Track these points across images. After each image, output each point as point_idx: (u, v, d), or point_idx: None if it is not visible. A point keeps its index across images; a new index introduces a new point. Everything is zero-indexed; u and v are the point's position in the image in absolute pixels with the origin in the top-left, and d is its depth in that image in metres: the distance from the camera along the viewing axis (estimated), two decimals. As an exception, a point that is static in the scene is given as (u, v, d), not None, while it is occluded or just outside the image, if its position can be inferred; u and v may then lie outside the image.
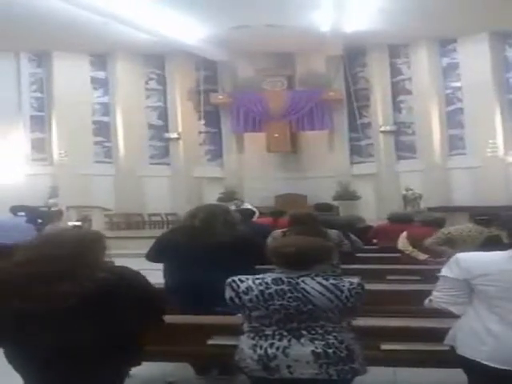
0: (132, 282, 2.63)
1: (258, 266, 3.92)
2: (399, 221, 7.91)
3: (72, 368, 2.45)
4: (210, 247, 4.06)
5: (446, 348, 2.83)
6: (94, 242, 2.68)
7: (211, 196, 19.68)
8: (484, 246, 3.28)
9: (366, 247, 7.28)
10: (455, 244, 5.89)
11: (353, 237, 6.68)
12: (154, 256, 4.46)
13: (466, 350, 2.64)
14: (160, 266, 4.60)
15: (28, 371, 2.56)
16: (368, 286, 2.95)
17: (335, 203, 17.55)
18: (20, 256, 2.56)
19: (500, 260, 2.62)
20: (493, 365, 2.51)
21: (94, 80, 21.16)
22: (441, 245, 6.06)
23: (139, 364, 2.92)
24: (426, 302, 2.87)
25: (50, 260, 2.46)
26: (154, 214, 19.99)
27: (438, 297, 2.75)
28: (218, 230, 4.21)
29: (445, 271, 2.74)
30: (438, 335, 2.93)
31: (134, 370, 4.02)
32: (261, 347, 2.80)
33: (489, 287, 2.57)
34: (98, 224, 16.59)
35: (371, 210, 19.08)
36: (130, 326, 2.58)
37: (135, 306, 2.57)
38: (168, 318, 3.65)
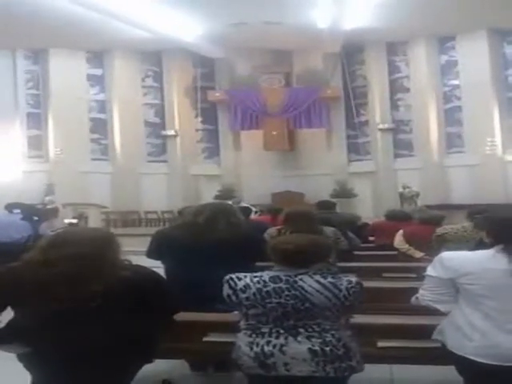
0: (153, 281, 2.67)
1: (258, 263, 3.90)
2: (396, 218, 7.89)
3: (89, 366, 2.47)
4: (212, 244, 4.06)
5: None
6: (111, 240, 2.69)
7: (208, 194, 19.70)
8: (479, 245, 3.29)
9: (362, 245, 7.27)
10: (451, 243, 5.85)
11: (350, 234, 6.66)
12: (155, 253, 4.45)
13: (454, 346, 2.70)
14: (156, 263, 4.58)
15: (43, 370, 2.56)
16: (364, 284, 2.95)
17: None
18: (37, 255, 2.54)
19: (483, 259, 2.67)
20: (481, 360, 2.58)
21: (90, 77, 21.16)
22: (437, 248, 5.98)
23: (151, 361, 2.94)
24: (413, 299, 2.94)
25: (75, 260, 2.46)
26: (151, 212, 20.01)
27: (424, 295, 2.82)
28: (220, 228, 4.20)
29: (429, 270, 2.81)
30: (434, 332, 2.93)
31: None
32: (257, 345, 2.81)
33: (473, 286, 2.63)
34: (94, 221, 16.54)
35: (368, 208, 19.13)
36: (149, 324, 2.60)
37: (155, 305, 2.62)
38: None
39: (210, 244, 4.06)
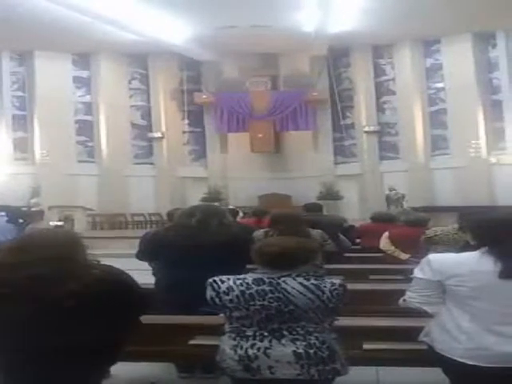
0: (124, 281, 2.65)
1: (250, 266, 3.91)
2: (382, 220, 7.91)
3: (59, 367, 2.43)
4: (204, 246, 4.08)
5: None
6: (79, 240, 2.68)
7: (195, 196, 19.64)
8: (464, 248, 3.31)
9: (348, 247, 7.29)
10: (441, 245, 5.85)
11: (341, 237, 6.69)
12: (147, 255, 4.45)
13: (442, 347, 2.70)
14: (141, 266, 4.58)
15: (11, 372, 2.53)
16: (351, 286, 2.95)
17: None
18: (7, 258, 2.52)
19: (470, 261, 2.68)
20: (468, 362, 2.58)
21: (76, 79, 21.09)
22: (426, 250, 5.96)
23: (115, 363, 2.91)
24: (401, 301, 2.92)
25: (48, 261, 2.44)
26: (138, 214, 19.93)
27: (412, 297, 2.80)
28: (213, 230, 4.22)
29: (417, 272, 2.80)
30: (420, 333, 2.93)
31: (117, 371, 4.01)
32: (242, 348, 2.80)
33: (460, 287, 2.63)
34: (80, 224, 16.48)
35: (355, 210, 19.19)
36: (119, 325, 2.58)
37: (127, 304, 2.59)
38: (150, 318, 3.63)
39: (202, 246, 4.09)
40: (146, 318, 3.45)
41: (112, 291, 2.51)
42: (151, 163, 21.79)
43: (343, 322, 3.13)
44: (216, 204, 11.01)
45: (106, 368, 2.75)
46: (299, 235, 3.81)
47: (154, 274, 4.56)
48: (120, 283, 2.60)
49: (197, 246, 4.10)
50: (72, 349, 2.42)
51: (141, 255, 4.53)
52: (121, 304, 2.56)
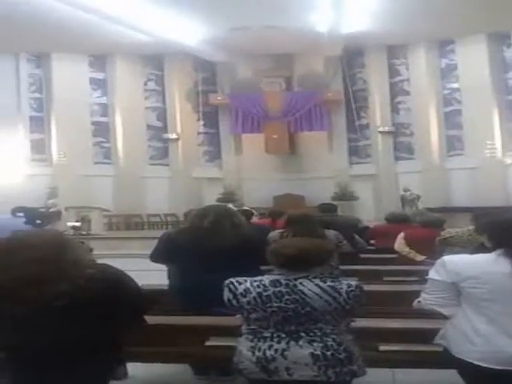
0: (120, 280, 2.63)
1: (263, 267, 3.92)
2: (396, 221, 7.89)
3: (56, 368, 2.43)
4: (218, 248, 4.09)
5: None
6: (67, 241, 2.67)
7: (210, 196, 19.68)
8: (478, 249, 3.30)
9: (362, 248, 7.28)
10: (456, 247, 5.82)
11: (357, 237, 6.70)
12: (160, 257, 4.47)
13: (457, 350, 2.69)
14: (158, 266, 4.60)
15: (6, 372, 2.55)
16: (365, 287, 2.96)
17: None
18: None
19: (485, 262, 2.67)
20: (484, 365, 2.57)
21: (92, 81, 21.17)
22: (441, 251, 5.92)
23: (122, 363, 2.90)
24: (415, 303, 2.92)
25: (36, 262, 2.44)
26: (153, 215, 20.02)
27: (427, 299, 2.80)
28: (226, 231, 4.23)
29: (432, 274, 2.79)
30: (436, 336, 2.94)
31: (133, 372, 4.05)
32: (259, 349, 2.81)
33: (475, 289, 2.63)
34: (97, 224, 16.57)
35: (369, 211, 19.12)
36: (115, 324, 2.58)
37: (122, 304, 2.57)
38: (166, 319, 3.67)
39: (215, 247, 4.10)
40: (161, 320, 3.50)
41: (106, 290, 2.50)
42: (166, 164, 21.84)
43: (359, 323, 3.14)
44: (229, 205, 11.02)
45: (111, 368, 2.74)
46: (315, 236, 3.83)
47: (168, 276, 4.59)
48: (115, 283, 2.57)
49: (209, 247, 4.11)
50: (67, 349, 2.41)
51: (155, 257, 4.53)
52: (115, 303, 2.54)
